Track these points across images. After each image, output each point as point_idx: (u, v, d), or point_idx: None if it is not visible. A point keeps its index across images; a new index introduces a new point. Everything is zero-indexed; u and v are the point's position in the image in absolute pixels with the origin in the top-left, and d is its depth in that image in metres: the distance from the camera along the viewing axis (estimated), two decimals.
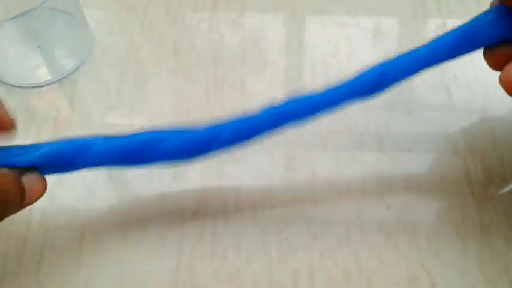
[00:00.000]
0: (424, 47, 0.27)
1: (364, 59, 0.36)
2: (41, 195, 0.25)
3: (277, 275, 0.28)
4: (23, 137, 0.33)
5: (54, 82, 0.35)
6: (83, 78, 0.35)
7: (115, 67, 0.36)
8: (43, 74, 0.36)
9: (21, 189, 0.24)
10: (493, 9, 0.27)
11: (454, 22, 0.38)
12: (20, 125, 0.33)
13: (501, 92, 0.34)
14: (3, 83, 0.35)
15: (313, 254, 0.28)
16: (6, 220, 0.30)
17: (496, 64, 0.27)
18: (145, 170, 0.31)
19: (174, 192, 0.31)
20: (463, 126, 0.33)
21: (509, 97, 0.34)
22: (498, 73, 0.35)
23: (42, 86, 0.35)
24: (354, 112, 0.33)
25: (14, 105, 0.35)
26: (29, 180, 0.24)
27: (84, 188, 0.31)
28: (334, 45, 0.37)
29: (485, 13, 0.27)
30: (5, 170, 0.24)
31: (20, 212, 0.30)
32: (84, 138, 0.26)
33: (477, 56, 0.36)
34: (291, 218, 0.30)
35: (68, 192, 0.31)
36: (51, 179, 0.31)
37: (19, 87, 0.35)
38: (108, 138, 0.26)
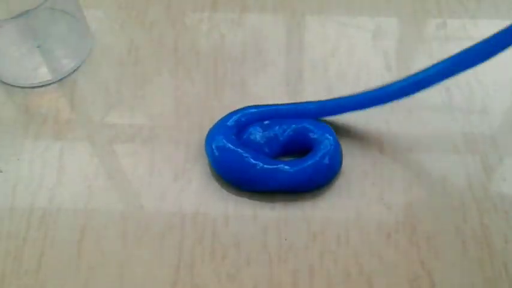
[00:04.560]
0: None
1: (364, 59, 0.36)
2: None
3: (277, 275, 0.28)
4: (23, 136, 0.33)
5: (54, 82, 0.35)
6: (83, 78, 0.35)
7: (115, 67, 0.36)
8: (43, 74, 0.36)
9: None
10: None
11: (454, 22, 0.38)
12: (20, 125, 0.33)
13: (501, 92, 0.34)
14: (3, 83, 0.35)
15: (313, 254, 0.28)
16: (7, 220, 0.30)
17: None
18: (145, 169, 0.31)
19: (174, 192, 0.31)
20: (463, 126, 0.33)
21: (509, 97, 0.34)
22: (498, 73, 0.35)
23: (42, 86, 0.35)
24: (354, 112, 0.33)
25: (14, 105, 0.35)
26: None
27: (84, 188, 0.31)
28: (334, 45, 0.37)
29: None
30: None
31: (20, 212, 0.30)
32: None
33: None
34: (291, 218, 0.30)
35: (68, 192, 0.31)
36: (51, 179, 0.31)
37: (19, 87, 0.35)
38: None
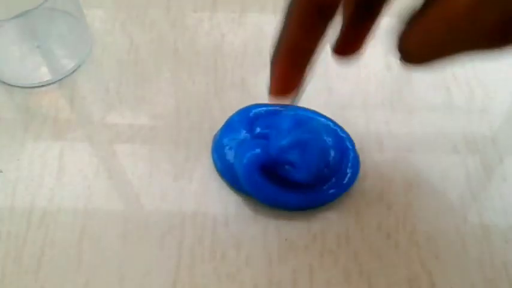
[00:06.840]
0: None
1: (364, 58, 0.36)
2: None
3: (277, 275, 0.28)
4: (23, 137, 0.33)
5: (54, 82, 0.35)
6: (83, 78, 0.35)
7: (115, 67, 0.36)
8: (43, 74, 0.36)
9: None
10: None
11: None
12: (20, 125, 0.33)
13: (501, 92, 0.34)
14: (3, 83, 0.35)
15: (313, 254, 0.28)
16: (7, 220, 0.30)
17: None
18: (145, 169, 0.31)
19: (174, 192, 0.31)
20: (463, 126, 0.33)
21: (509, 97, 0.34)
22: (499, 73, 0.35)
23: (42, 86, 0.35)
24: (354, 112, 0.33)
25: (14, 105, 0.35)
26: None
27: (84, 188, 0.31)
28: None
29: None
30: None
31: (20, 212, 0.30)
32: None
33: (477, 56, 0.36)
34: (291, 218, 0.30)
35: (68, 192, 0.31)
36: (51, 179, 0.31)
37: (19, 87, 0.35)
38: None
